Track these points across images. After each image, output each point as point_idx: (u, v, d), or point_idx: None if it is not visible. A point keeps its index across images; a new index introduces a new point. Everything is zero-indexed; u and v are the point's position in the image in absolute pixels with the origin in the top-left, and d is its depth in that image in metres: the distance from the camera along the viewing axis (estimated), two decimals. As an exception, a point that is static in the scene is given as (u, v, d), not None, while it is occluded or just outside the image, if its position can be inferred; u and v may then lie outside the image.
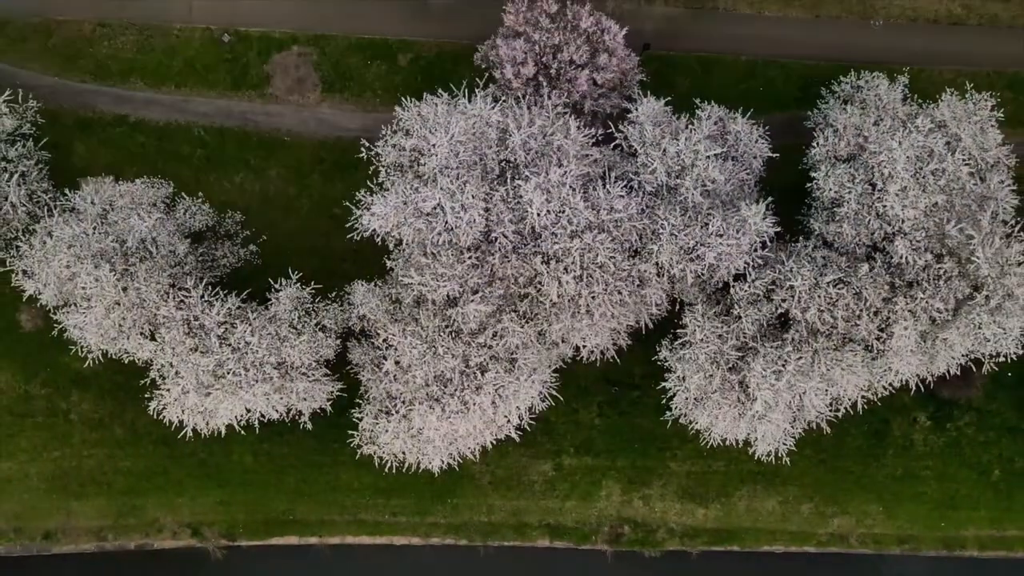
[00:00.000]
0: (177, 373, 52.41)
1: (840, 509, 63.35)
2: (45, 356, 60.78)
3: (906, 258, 51.65)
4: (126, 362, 55.87)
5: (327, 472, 62.40)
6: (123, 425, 61.60)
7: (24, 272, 54.29)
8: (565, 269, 50.89)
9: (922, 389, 56.23)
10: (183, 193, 58.12)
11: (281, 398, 53.57)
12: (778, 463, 58.40)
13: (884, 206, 51.38)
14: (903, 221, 51.34)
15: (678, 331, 54.56)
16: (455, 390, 52.31)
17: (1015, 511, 63.33)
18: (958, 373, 55.22)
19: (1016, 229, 52.64)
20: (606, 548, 63.74)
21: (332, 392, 55.52)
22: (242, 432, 55.46)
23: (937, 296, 51.16)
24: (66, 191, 56.25)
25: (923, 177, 51.06)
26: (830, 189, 53.09)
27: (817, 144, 54.28)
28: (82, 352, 55.18)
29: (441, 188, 50.27)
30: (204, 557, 62.95)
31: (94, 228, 53.29)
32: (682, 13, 60.25)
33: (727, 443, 56.40)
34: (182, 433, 54.49)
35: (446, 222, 50.96)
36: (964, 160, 51.92)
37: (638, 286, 52.81)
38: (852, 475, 63.10)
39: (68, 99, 59.99)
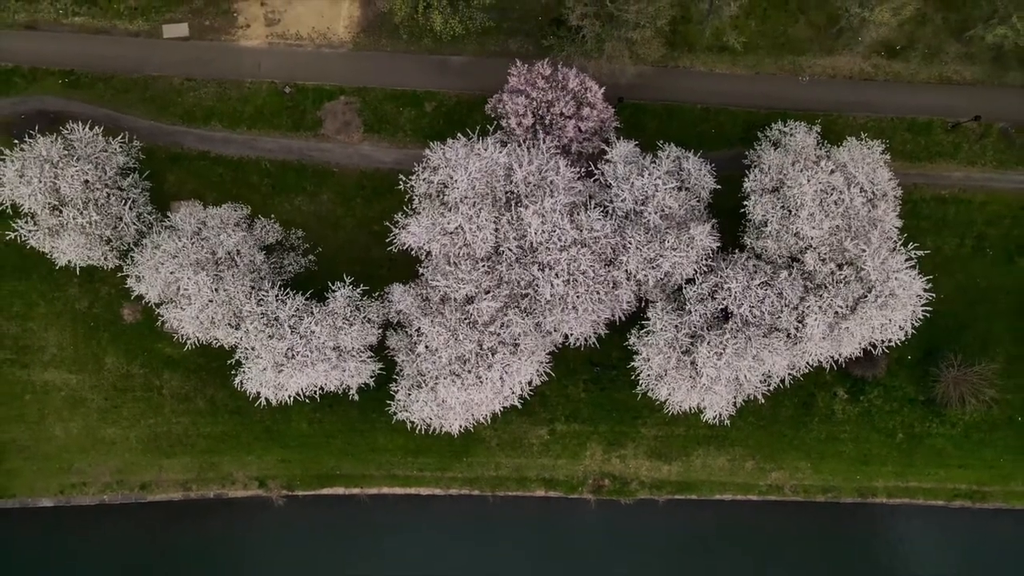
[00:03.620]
0: (258, 355, 61.05)
1: (776, 465, 70.52)
2: (142, 343, 68.99)
3: (815, 267, 59.19)
4: (215, 347, 63.98)
5: (367, 436, 69.70)
6: (204, 398, 69.47)
7: (136, 277, 62.94)
8: (556, 275, 58.13)
9: (835, 368, 63.83)
10: (259, 215, 65.89)
11: (336, 375, 61.91)
12: (726, 428, 66.24)
13: (797, 227, 58.86)
14: (812, 239, 58.83)
15: (643, 322, 61.79)
16: (472, 368, 59.65)
17: (915, 466, 70.62)
18: (862, 356, 62.95)
19: (898, 244, 60.26)
20: (590, 497, 70.74)
21: (374, 371, 63.47)
22: (307, 400, 63.38)
23: (839, 296, 58.61)
24: (167, 213, 64.98)
25: (827, 205, 58.61)
26: (758, 213, 60.48)
27: (749, 179, 61.57)
28: (181, 340, 63.41)
29: (461, 213, 57.68)
30: (268, 504, 70.44)
31: (192, 242, 61.87)
32: (651, 71, 66.81)
33: (685, 412, 63.48)
34: (258, 402, 62.79)
35: (465, 239, 58.36)
36: (860, 192, 59.16)
37: (612, 288, 60.10)
38: (786, 438, 70.27)
39: (161, 138, 68.00)
